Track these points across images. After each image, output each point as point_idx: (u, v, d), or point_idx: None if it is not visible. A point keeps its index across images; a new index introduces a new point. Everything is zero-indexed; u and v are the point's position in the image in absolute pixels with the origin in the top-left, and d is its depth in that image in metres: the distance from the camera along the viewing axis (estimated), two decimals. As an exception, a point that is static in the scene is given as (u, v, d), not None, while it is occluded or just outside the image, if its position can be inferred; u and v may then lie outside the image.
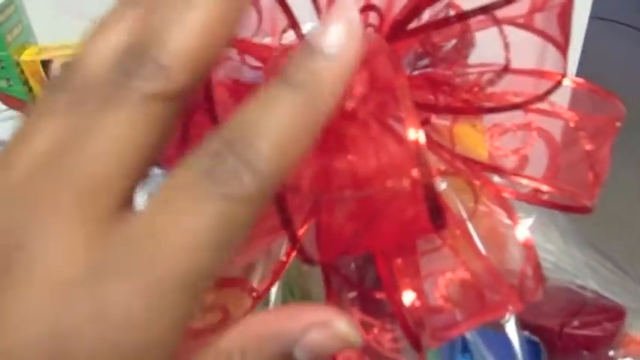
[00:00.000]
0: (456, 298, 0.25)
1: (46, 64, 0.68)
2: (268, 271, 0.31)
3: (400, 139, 0.22)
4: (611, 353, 0.36)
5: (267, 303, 0.33)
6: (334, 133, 0.22)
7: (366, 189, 0.20)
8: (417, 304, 0.24)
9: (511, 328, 0.37)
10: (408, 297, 0.24)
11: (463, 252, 0.26)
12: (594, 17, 0.69)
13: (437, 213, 0.21)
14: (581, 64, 0.66)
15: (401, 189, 0.20)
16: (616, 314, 0.37)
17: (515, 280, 0.26)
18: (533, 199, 0.34)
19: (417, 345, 0.25)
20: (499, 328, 0.37)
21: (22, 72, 0.69)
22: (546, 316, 0.38)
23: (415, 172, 0.20)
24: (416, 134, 0.21)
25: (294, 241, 0.23)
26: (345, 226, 0.22)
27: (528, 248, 0.27)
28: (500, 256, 0.27)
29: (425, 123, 0.29)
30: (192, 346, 0.31)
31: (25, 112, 0.66)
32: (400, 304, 0.24)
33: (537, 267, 0.26)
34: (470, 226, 0.27)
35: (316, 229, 0.24)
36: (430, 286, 0.25)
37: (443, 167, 0.28)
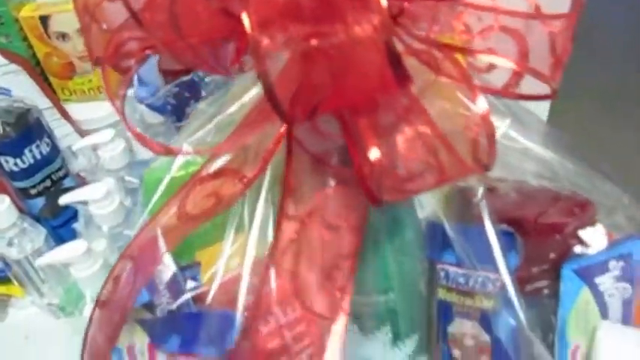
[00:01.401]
0: (416, 154, 0.28)
1: (44, 20, 0.70)
2: (258, 158, 0.34)
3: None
4: (579, 232, 0.38)
5: (258, 195, 0.36)
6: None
7: (332, 37, 0.23)
8: (381, 159, 0.26)
9: (488, 224, 0.39)
10: (373, 153, 0.26)
11: (423, 119, 0.28)
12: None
13: (397, 61, 0.23)
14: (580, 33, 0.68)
15: (364, 36, 0.23)
16: (587, 204, 0.39)
17: (470, 146, 0.29)
18: (504, 92, 0.37)
19: (375, 201, 0.27)
20: (477, 223, 0.39)
21: (21, 28, 0.71)
22: (523, 210, 0.40)
23: (376, 20, 0.22)
24: (378, -8, 0.23)
25: (275, 105, 0.25)
26: (316, 81, 0.25)
27: (484, 118, 0.29)
28: (458, 126, 0.29)
29: (399, 13, 0.31)
30: (187, 228, 0.34)
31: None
32: (364, 159, 0.26)
33: (492, 134, 0.29)
34: (429, 95, 0.30)
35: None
36: (392, 143, 0.28)
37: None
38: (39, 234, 0.65)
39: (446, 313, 0.42)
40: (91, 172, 0.69)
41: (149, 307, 0.36)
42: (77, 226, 0.63)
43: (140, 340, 0.37)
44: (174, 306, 0.36)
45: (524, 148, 0.42)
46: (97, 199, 0.59)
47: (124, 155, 0.67)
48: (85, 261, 0.56)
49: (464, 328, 0.41)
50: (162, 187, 0.39)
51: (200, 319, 0.35)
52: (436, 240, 0.41)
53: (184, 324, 0.36)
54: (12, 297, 0.71)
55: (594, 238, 0.37)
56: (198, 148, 0.35)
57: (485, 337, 0.41)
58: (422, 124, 0.28)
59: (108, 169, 0.67)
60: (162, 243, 0.33)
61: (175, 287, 0.37)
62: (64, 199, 0.60)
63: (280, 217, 0.31)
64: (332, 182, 0.32)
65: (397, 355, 0.41)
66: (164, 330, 0.36)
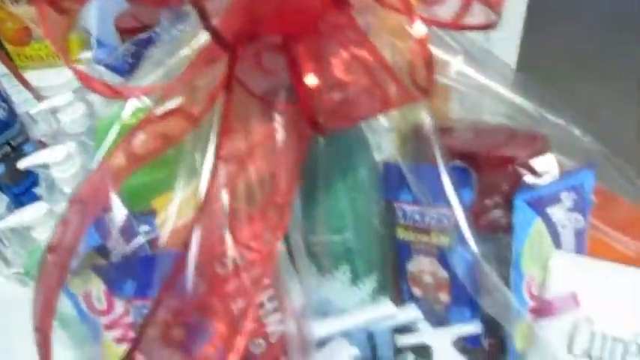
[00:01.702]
0: (357, 80, 0.28)
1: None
2: (207, 99, 0.33)
3: None
4: (531, 162, 0.38)
5: (209, 130, 0.35)
6: None
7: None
8: (320, 84, 0.26)
9: (441, 162, 0.39)
10: (311, 79, 0.26)
11: (364, 45, 0.28)
12: None
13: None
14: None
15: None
16: (539, 136, 0.40)
17: (409, 72, 0.29)
18: (453, 24, 0.37)
19: (317, 128, 0.27)
20: (431, 162, 0.39)
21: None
22: (477, 146, 0.41)
23: None
24: None
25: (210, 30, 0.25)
26: (255, 4, 0.24)
27: (421, 42, 0.29)
28: (398, 52, 0.29)
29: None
30: (135, 167, 0.34)
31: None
32: (304, 87, 0.26)
33: (429, 59, 0.28)
34: (378, 30, 0.29)
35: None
36: (333, 69, 0.27)
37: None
38: (0, 201, 0.64)
39: (404, 251, 0.42)
40: (52, 137, 0.68)
41: (102, 252, 0.36)
42: (39, 190, 0.63)
43: (96, 286, 0.37)
44: (128, 250, 0.36)
45: (482, 85, 0.42)
46: (57, 161, 0.58)
47: (84, 119, 0.66)
48: (47, 223, 0.55)
49: (422, 265, 0.42)
50: (112, 133, 0.38)
51: (154, 262, 0.34)
52: (393, 180, 0.42)
53: (139, 268, 0.36)
54: (-22, 268, 0.70)
55: (546, 167, 0.38)
56: (146, 88, 0.35)
57: (444, 274, 0.41)
58: (363, 50, 0.28)
59: (69, 134, 0.66)
60: (111, 184, 0.33)
61: (128, 231, 0.36)
62: (23, 163, 0.59)
63: (217, 157, 0.31)
64: (273, 120, 0.31)
65: (357, 294, 0.42)
66: (119, 275, 0.36)
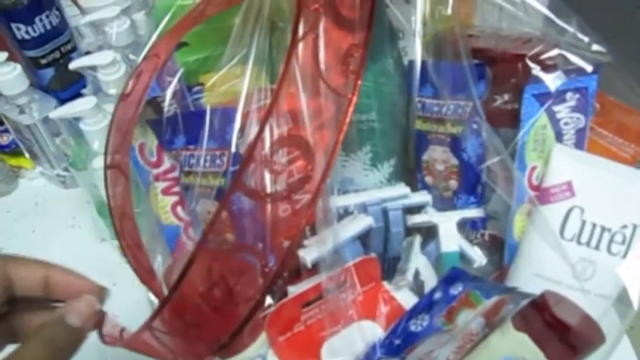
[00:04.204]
0: None
1: None
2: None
3: None
4: (540, 56, 0.42)
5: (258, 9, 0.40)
6: None
7: None
8: None
9: (464, 59, 0.43)
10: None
11: None
12: None
13: None
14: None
15: None
16: (552, 39, 0.43)
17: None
18: None
19: None
20: (454, 59, 0.44)
21: None
22: (495, 46, 0.45)
23: None
24: None
25: None
26: None
27: None
28: None
29: None
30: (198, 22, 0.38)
31: None
32: None
33: None
34: None
35: None
36: None
37: None
38: (49, 102, 0.69)
39: (421, 142, 0.47)
40: (98, 49, 0.73)
41: (156, 108, 0.41)
42: (85, 91, 0.68)
43: (150, 140, 0.42)
44: (178, 110, 0.41)
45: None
46: (105, 64, 0.63)
47: (129, 33, 0.71)
48: (95, 115, 0.60)
49: (436, 154, 0.47)
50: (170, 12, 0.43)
51: (203, 117, 0.39)
52: (416, 77, 0.46)
53: (188, 123, 0.40)
54: (22, 168, 0.76)
55: (554, 62, 0.42)
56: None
57: (454, 161, 0.46)
58: None
59: (114, 46, 0.71)
60: (177, 39, 0.37)
61: (180, 96, 0.41)
62: (73, 64, 0.64)
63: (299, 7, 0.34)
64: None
65: (376, 175, 0.46)
66: (171, 132, 0.41)
